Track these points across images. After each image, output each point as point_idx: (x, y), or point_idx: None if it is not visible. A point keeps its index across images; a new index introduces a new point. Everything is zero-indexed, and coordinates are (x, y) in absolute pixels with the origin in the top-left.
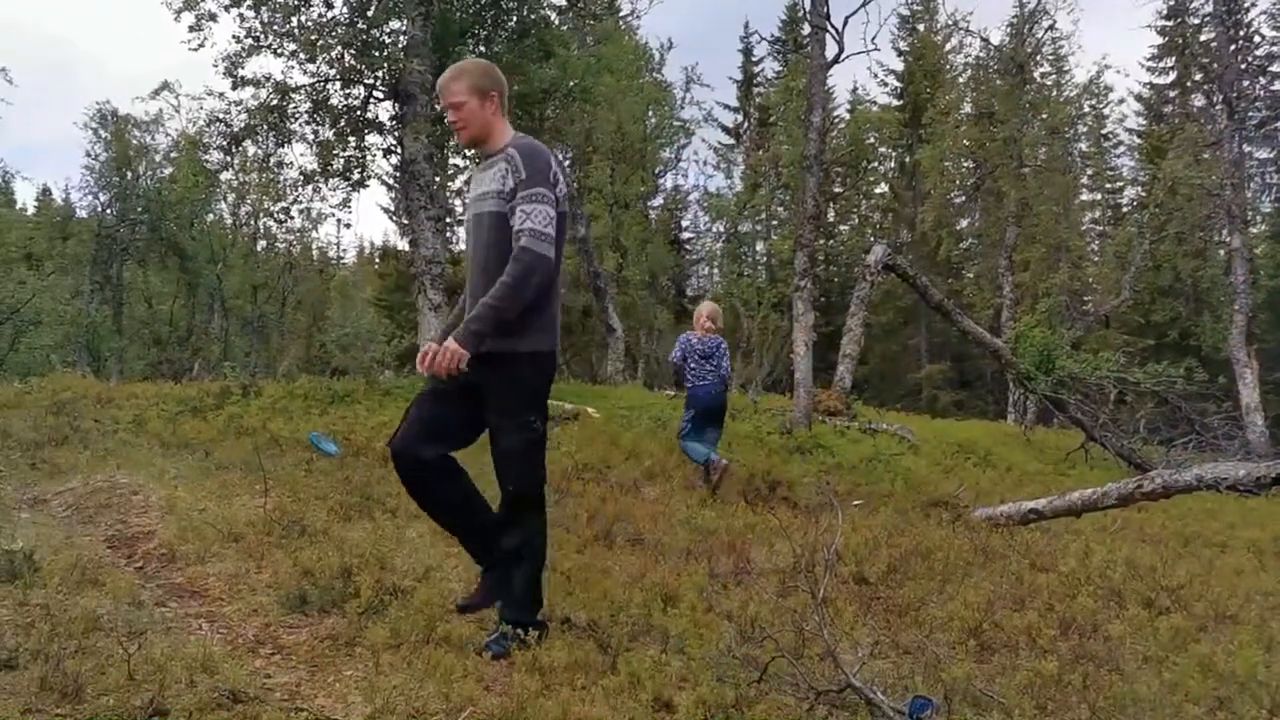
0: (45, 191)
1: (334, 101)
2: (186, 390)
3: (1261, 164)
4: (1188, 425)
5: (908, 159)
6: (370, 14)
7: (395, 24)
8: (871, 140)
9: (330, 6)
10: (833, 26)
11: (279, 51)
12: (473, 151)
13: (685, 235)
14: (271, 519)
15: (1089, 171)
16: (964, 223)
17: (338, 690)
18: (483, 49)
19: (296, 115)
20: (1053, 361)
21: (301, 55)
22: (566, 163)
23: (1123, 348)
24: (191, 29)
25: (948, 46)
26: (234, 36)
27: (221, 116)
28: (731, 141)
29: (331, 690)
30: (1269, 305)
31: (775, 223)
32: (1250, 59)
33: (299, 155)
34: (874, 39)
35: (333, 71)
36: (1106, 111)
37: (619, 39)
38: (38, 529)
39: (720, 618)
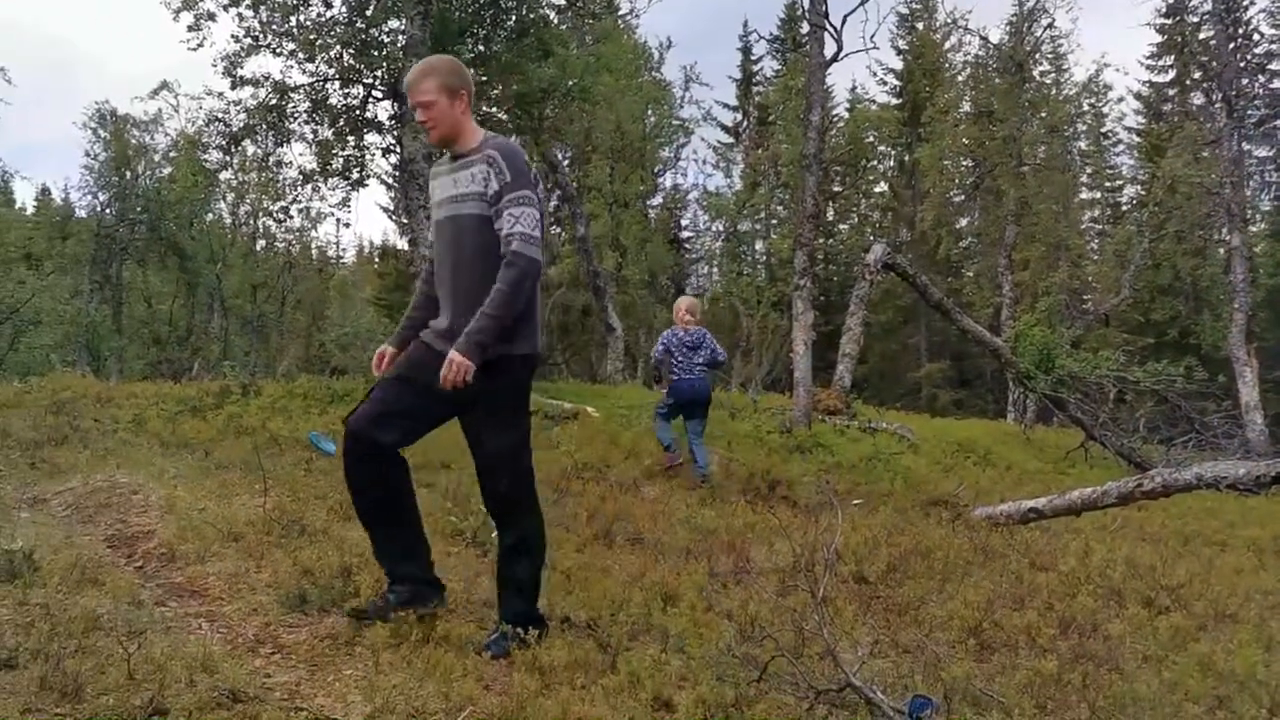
0: (44, 191)
1: (333, 101)
2: (186, 390)
3: (1261, 162)
4: (1187, 424)
5: (907, 158)
6: (369, 13)
7: (394, 23)
8: (871, 139)
9: (329, 6)
10: (831, 25)
11: (278, 51)
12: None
13: (685, 234)
14: (271, 518)
15: (1088, 170)
16: (963, 221)
17: (337, 689)
18: (481, 48)
19: (295, 115)
20: (1052, 360)
21: (300, 55)
22: (565, 162)
23: (1122, 346)
24: (190, 29)
25: (947, 45)
26: (233, 36)
27: (220, 116)
28: (731, 140)
29: (331, 689)
30: (1268, 303)
31: (774, 221)
32: (1249, 57)
33: (298, 155)
34: (873, 37)
35: (332, 71)
36: (1106, 110)
37: (618, 38)
38: (37, 528)
39: (720, 617)
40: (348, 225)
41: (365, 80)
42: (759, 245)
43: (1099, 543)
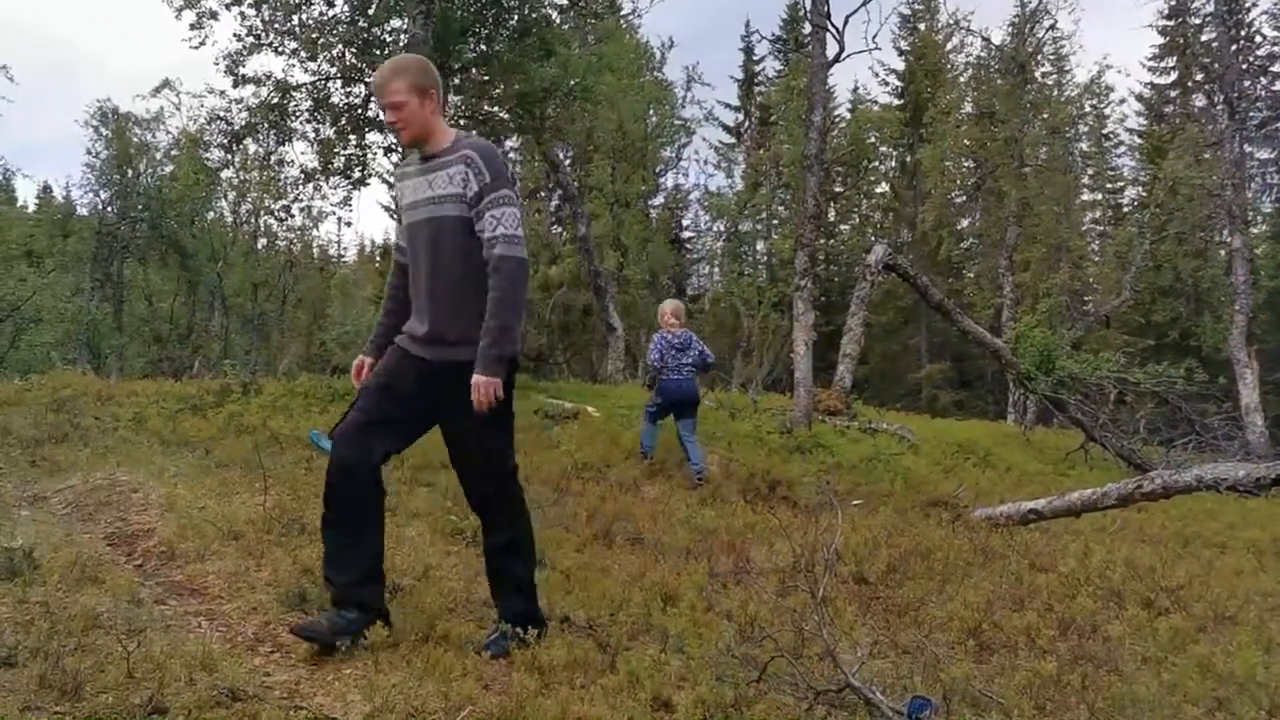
0: (46, 189)
1: (335, 99)
2: (187, 388)
3: (1262, 164)
4: (1188, 426)
5: (908, 158)
6: (371, 12)
7: (396, 22)
8: (872, 139)
9: (331, 5)
10: (833, 25)
11: (280, 50)
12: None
13: (686, 234)
14: (271, 517)
15: (1090, 171)
16: (964, 222)
17: (337, 688)
18: (484, 47)
19: (297, 113)
20: (1053, 361)
21: (302, 53)
22: (567, 162)
23: (1123, 348)
24: (192, 27)
25: (949, 46)
26: (235, 35)
27: (222, 114)
28: (732, 140)
29: (330, 688)
30: (1269, 306)
31: (776, 222)
32: (1251, 59)
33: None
34: (875, 38)
35: (334, 70)
36: (1107, 111)
37: (620, 38)
38: (37, 526)
39: (719, 617)
40: (349, 224)
41: (367, 79)
42: (760, 245)
43: (1099, 544)
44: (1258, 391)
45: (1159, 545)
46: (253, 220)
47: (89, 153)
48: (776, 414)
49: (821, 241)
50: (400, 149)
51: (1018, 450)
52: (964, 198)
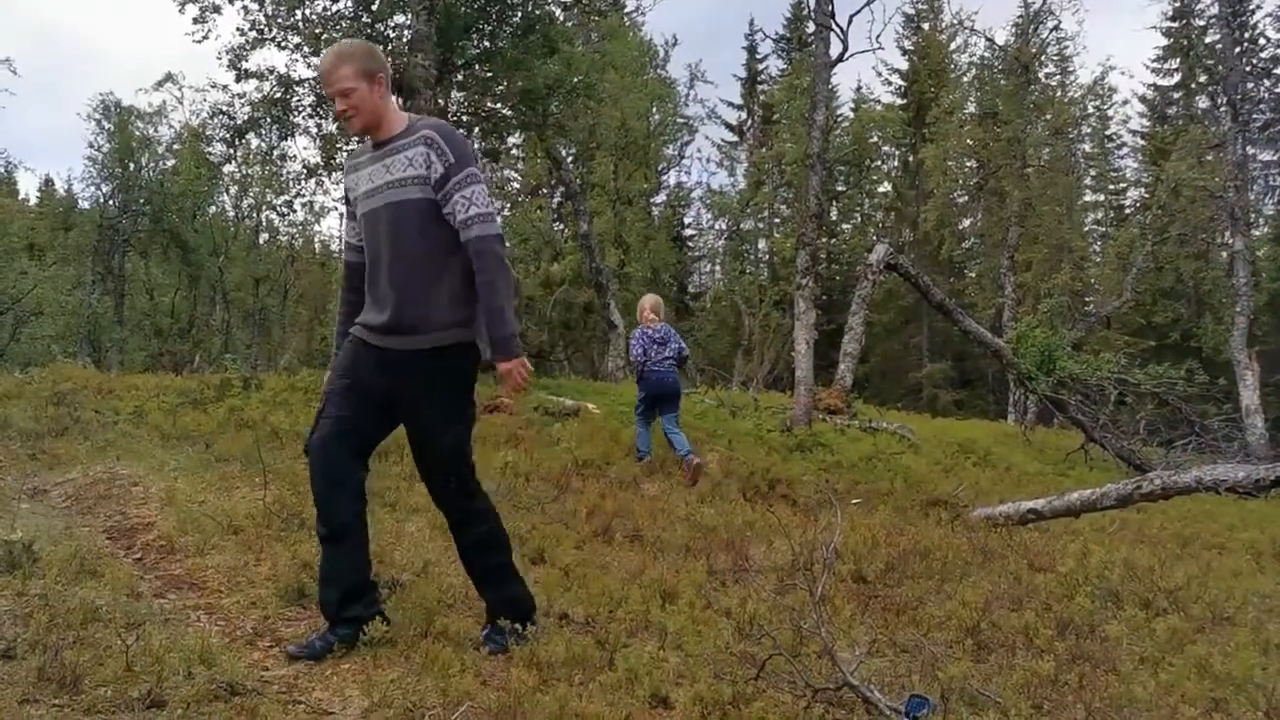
0: (48, 182)
1: None
2: (187, 382)
3: (1265, 166)
4: (1187, 427)
5: (911, 158)
6: (374, 8)
7: (399, 18)
8: (875, 139)
9: (335, 0)
10: (837, 25)
11: (283, 44)
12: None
13: (688, 232)
14: (271, 512)
15: (1092, 172)
16: (966, 222)
17: (335, 683)
18: (487, 44)
19: (300, 108)
20: (1053, 362)
21: (305, 48)
22: (569, 159)
23: (1124, 349)
24: (196, 21)
25: (952, 46)
26: (238, 29)
27: (225, 109)
28: (735, 139)
29: (329, 683)
30: (1270, 308)
31: (778, 220)
32: (1255, 61)
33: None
34: (878, 37)
35: None
36: (1110, 113)
37: (623, 35)
38: (37, 519)
39: (718, 615)
40: None
41: None
42: (762, 244)
43: (1097, 544)
44: (1258, 393)
45: (1157, 546)
46: (255, 215)
47: (91, 146)
48: (777, 412)
49: (823, 240)
50: (354, 140)
51: (1017, 450)
52: (966, 198)
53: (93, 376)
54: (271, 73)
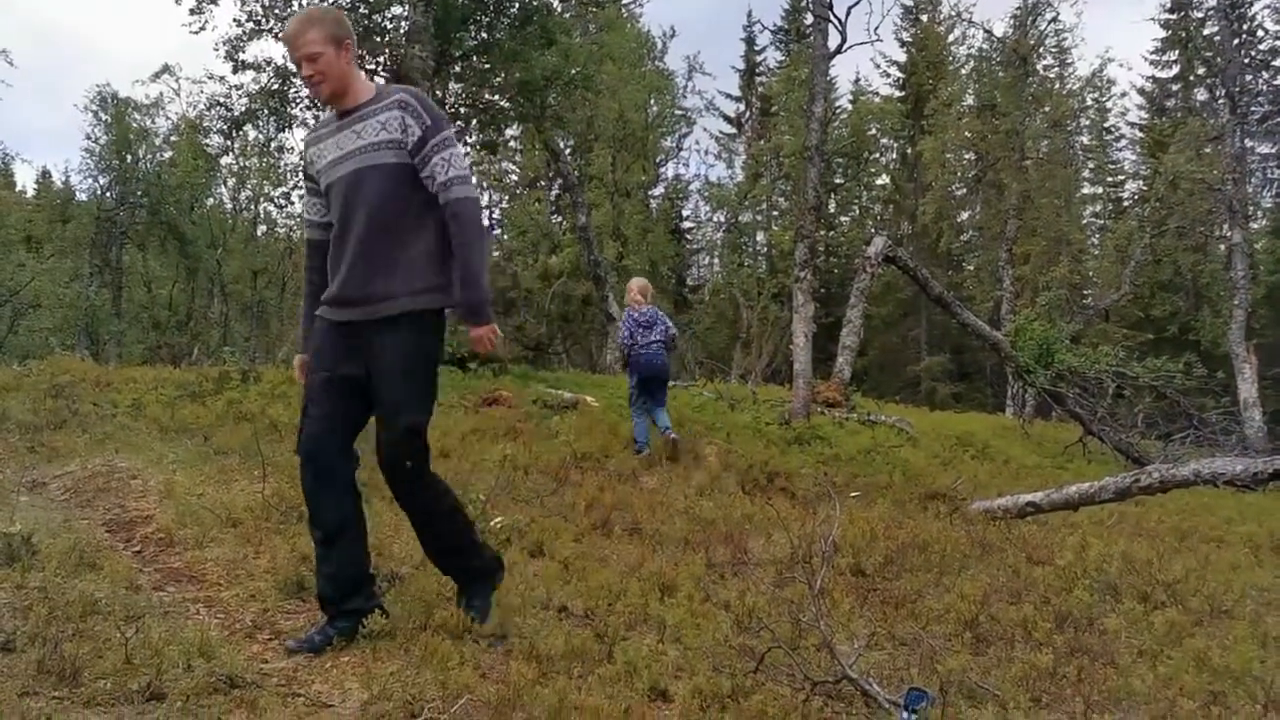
0: (45, 174)
1: None
2: (185, 375)
3: (1263, 159)
4: (1186, 420)
5: (909, 150)
6: None
7: (397, 9)
8: (873, 131)
9: None
10: (835, 16)
11: (280, 36)
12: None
13: (686, 225)
14: (270, 504)
15: (1090, 165)
16: (965, 215)
17: (334, 676)
18: (484, 35)
19: (297, 100)
20: (1052, 355)
21: None
22: (567, 151)
23: (1122, 342)
24: (192, 12)
25: (950, 38)
26: (235, 20)
27: (222, 100)
28: (733, 131)
29: (328, 676)
30: (1269, 301)
31: (776, 213)
32: (1253, 53)
33: (299, 140)
34: (877, 29)
35: None
36: (1109, 105)
37: (621, 27)
38: (36, 512)
39: (717, 608)
40: None
41: (368, 66)
42: (760, 237)
43: (1096, 538)
44: (1256, 386)
45: (1156, 539)
46: (252, 207)
47: (88, 138)
48: (775, 405)
49: (821, 233)
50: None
51: (1016, 443)
52: (964, 190)
53: (91, 369)
54: (269, 64)
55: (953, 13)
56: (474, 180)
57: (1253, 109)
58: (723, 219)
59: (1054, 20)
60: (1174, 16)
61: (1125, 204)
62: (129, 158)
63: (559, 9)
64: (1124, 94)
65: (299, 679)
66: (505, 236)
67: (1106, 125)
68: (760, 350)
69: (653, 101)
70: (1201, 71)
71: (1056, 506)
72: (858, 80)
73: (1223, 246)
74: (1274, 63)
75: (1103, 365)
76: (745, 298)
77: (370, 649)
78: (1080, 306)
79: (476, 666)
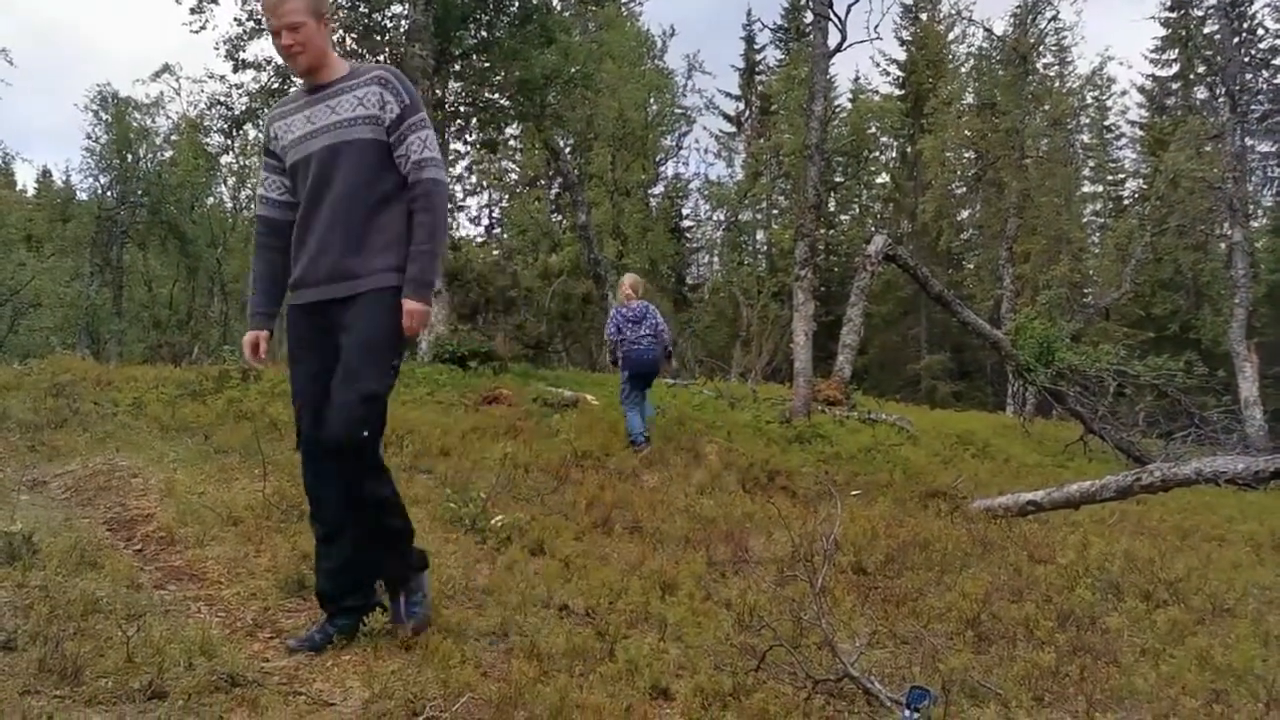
0: (45, 173)
1: None
2: (186, 374)
3: (1263, 157)
4: (1187, 418)
5: (909, 149)
6: None
7: (397, 8)
8: (873, 130)
9: None
10: (835, 15)
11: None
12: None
13: (686, 223)
14: (270, 503)
15: (1091, 163)
16: (965, 214)
17: (336, 675)
18: (484, 34)
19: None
20: (1052, 353)
21: None
22: (567, 150)
23: (1122, 340)
24: (193, 11)
25: (950, 36)
26: (235, 19)
27: (222, 99)
28: (733, 129)
29: (329, 674)
30: (1269, 299)
31: (776, 212)
32: (1253, 52)
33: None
34: (876, 28)
35: None
36: (1109, 103)
37: (621, 25)
38: (37, 511)
39: (718, 606)
40: None
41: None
42: (760, 235)
43: (1097, 536)
44: (1257, 385)
45: (1157, 538)
46: (253, 206)
47: (89, 137)
48: (776, 404)
49: (821, 232)
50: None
51: (1017, 442)
52: (964, 189)
53: (91, 368)
54: (269, 63)
55: (952, 11)
56: (442, 163)
57: (1253, 107)
58: (722, 217)
59: (1054, 19)
60: (1174, 15)
61: (1125, 202)
62: (129, 157)
63: (559, 8)
64: (1124, 92)
65: (300, 677)
66: (505, 235)
67: (1107, 124)
68: (760, 349)
69: (652, 100)
70: (1201, 70)
71: (1058, 505)
72: (858, 79)
73: (1223, 245)
74: (1274, 61)
75: (1103, 364)
76: (745, 296)
77: (371, 647)
78: (1081, 305)
79: (478, 665)
